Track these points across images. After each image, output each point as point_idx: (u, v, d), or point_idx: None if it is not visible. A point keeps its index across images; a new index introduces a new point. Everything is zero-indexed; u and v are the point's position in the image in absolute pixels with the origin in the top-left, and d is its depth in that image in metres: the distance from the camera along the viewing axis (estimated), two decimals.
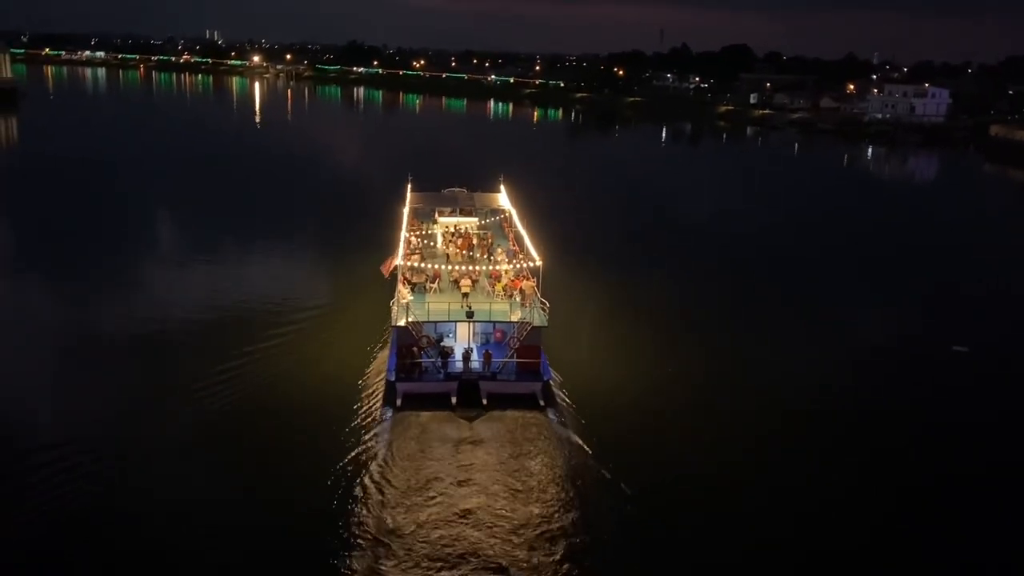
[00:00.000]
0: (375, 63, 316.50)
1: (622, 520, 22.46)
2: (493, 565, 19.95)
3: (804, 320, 43.31)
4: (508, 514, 22.30)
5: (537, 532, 21.47)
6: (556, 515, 22.38)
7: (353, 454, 25.31)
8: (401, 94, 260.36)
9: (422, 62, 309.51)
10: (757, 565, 21.28)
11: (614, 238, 62.59)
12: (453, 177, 48.93)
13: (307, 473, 24.09)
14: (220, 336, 35.51)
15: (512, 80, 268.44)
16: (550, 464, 25.41)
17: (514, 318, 30.51)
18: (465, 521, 21.83)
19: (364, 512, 22.06)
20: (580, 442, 26.64)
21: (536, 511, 22.51)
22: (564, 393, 30.39)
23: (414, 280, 32.76)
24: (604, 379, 32.35)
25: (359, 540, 20.76)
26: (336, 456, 25.07)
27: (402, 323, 29.67)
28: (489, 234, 38.79)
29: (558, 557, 20.41)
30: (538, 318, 30.17)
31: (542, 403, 28.91)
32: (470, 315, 30.34)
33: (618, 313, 41.55)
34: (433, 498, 23.04)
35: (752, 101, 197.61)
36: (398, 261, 32.96)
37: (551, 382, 30.29)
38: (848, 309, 45.58)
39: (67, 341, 35.41)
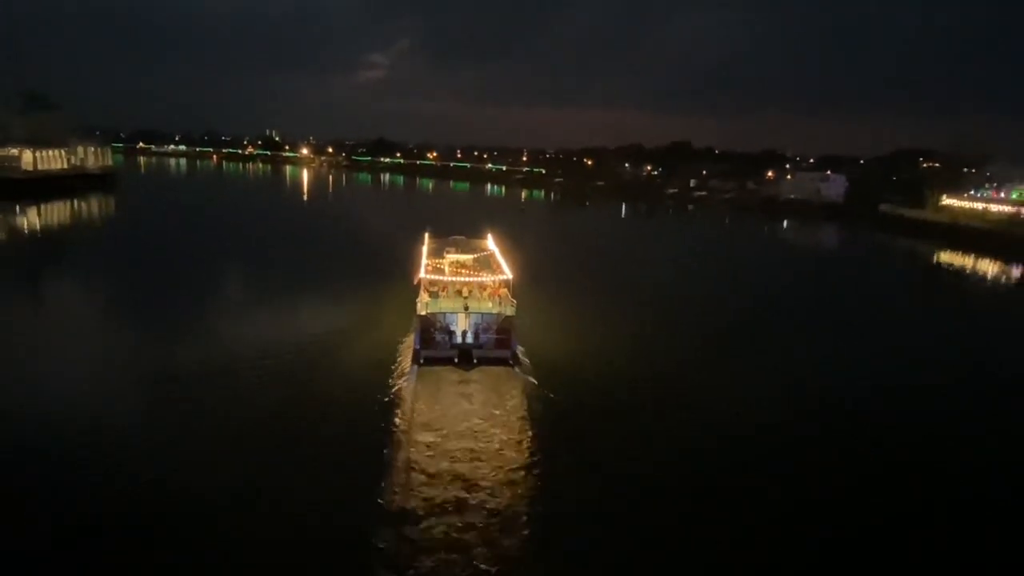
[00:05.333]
0: (397, 154, 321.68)
1: (555, 421, 30.23)
2: (482, 442, 27.89)
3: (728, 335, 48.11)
4: (491, 420, 30.15)
5: (506, 430, 29.42)
6: (519, 421, 30.24)
7: (392, 392, 32.57)
8: (418, 179, 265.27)
9: (434, 153, 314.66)
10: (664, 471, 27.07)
11: (568, 267, 71.37)
12: (456, 230, 56.06)
13: (363, 403, 31.20)
14: (300, 330, 42.47)
15: (505, 168, 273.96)
16: (515, 395, 33.00)
17: (495, 311, 37.38)
18: (465, 426, 29.34)
19: (401, 424, 29.29)
20: (535, 383, 34.21)
21: (507, 420, 30.37)
22: (525, 357, 37.47)
23: (431, 289, 39.79)
24: (552, 349, 39.82)
25: (397, 438, 27.88)
26: (382, 393, 32.39)
27: (423, 313, 36.92)
28: (478, 265, 45.47)
29: (516, 440, 28.53)
30: (509, 311, 37.26)
31: (511, 363, 36.09)
32: (466, 309, 37.26)
33: (564, 310, 50.40)
34: (442, 415, 30.51)
35: (692, 185, 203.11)
36: (421, 276, 41.14)
37: (517, 351, 37.32)
38: (763, 334, 49.44)
39: (156, 365, 35.98)
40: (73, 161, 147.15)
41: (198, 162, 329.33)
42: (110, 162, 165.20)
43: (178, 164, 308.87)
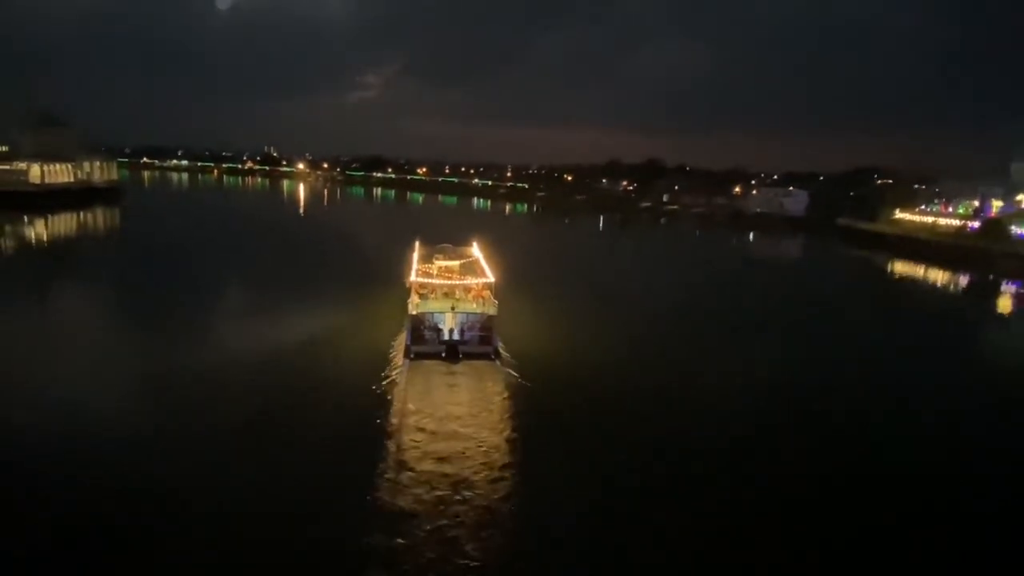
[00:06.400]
0: (389, 170, 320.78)
1: (532, 407, 31.72)
2: (467, 426, 29.47)
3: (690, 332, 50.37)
4: (475, 407, 31.81)
5: (487, 411, 31.25)
6: (499, 408, 31.88)
7: (386, 382, 34.02)
8: (408, 193, 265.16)
9: (424, 169, 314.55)
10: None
11: (546, 273, 72.89)
12: (444, 239, 57.25)
13: (360, 392, 32.68)
14: (301, 329, 43.45)
15: (491, 183, 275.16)
16: (496, 386, 34.59)
17: (478, 311, 39.04)
18: (451, 412, 30.92)
19: (395, 410, 30.86)
20: (514, 374, 35.79)
21: (489, 407, 32.01)
22: (505, 352, 38.96)
23: (421, 291, 41.36)
24: (529, 345, 41.21)
25: (391, 422, 29.52)
26: (377, 383, 33.82)
27: (414, 313, 38.54)
28: (464, 270, 47.17)
29: (493, 420, 30.25)
30: (492, 311, 39.00)
31: (493, 357, 37.62)
32: (453, 309, 38.80)
33: (541, 309, 51.90)
34: (431, 402, 32.08)
35: (664, 199, 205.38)
36: (412, 279, 42.52)
37: (499, 346, 38.86)
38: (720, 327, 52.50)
39: (156, 364, 36.26)
40: (80, 175, 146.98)
41: (199, 176, 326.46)
42: (115, 176, 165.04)
43: (180, 178, 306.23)
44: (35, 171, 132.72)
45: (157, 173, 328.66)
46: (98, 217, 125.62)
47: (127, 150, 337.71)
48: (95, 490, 23.00)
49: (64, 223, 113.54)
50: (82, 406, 30.02)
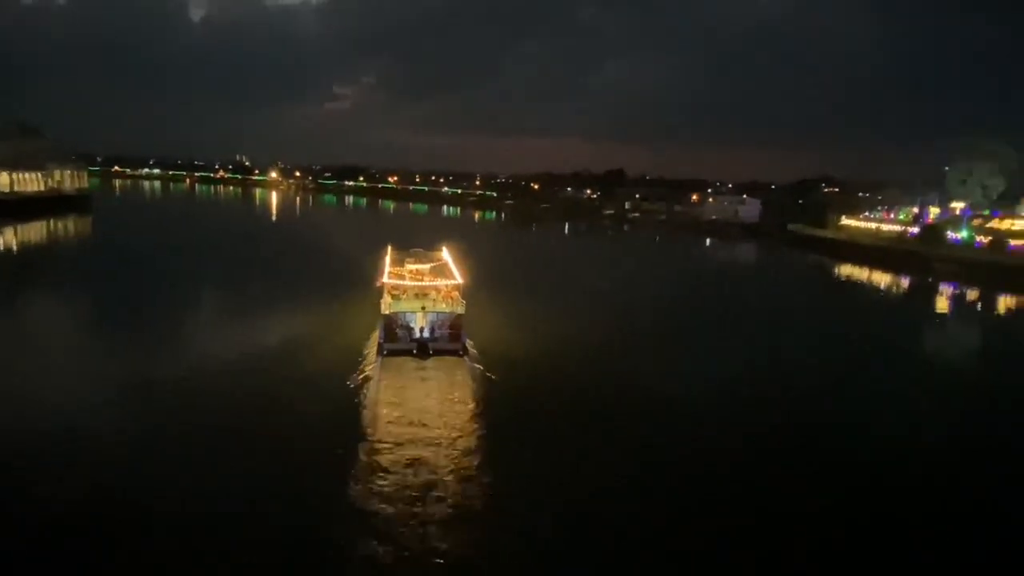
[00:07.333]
0: (361, 178, 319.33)
1: (497, 399, 32.60)
2: (436, 416, 30.30)
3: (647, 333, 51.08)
4: (444, 400, 32.67)
5: (456, 402, 32.14)
6: (467, 400, 32.68)
7: (361, 377, 34.64)
8: (380, 201, 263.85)
9: (395, 177, 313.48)
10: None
11: (512, 275, 73.72)
12: (416, 243, 57.63)
13: (338, 384, 33.38)
14: (280, 331, 44.05)
15: (460, 191, 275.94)
16: (464, 380, 35.47)
17: (447, 311, 39.90)
18: (422, 404, 31.65)
19: (368, 400, 31.66)
20: (480, 368, 36.65)
21: (457, 399, 32.84)
22: (473, 349, 39.69)
23: (393, 292, 42.06)
24: (496, 342, 42.10)
25: (366, 414, 30.22)
26: (353, 379, 34.37)
27: (386, 312, 39.33)
28: (434, 272, 47.53)
29: (462, 411, 31.10)
30: (460, 310, 39.92)
31: (461, 354, 38.48)
32: (423, 309, 39.62)
33: (505, 309, 52.63)
34: (404, 397, 32.80)
35: (627, 207, 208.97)
36: (384, 281, 43.15)
37: (467, 343, 39.66)
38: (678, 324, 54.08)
39: (125, 371, 35.42)
40: (50, 183, 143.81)
41: (171, 185, 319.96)
42: (86, 184, 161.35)
43: (152, 187, 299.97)
44: (3, 179, 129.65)
45: (129, 182, 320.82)
46: (68, 225, 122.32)
47: (99, 159, 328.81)
48: (82, 492, 22.73)
49: (33, 231, 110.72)
50: (62, 409, 29.40)
